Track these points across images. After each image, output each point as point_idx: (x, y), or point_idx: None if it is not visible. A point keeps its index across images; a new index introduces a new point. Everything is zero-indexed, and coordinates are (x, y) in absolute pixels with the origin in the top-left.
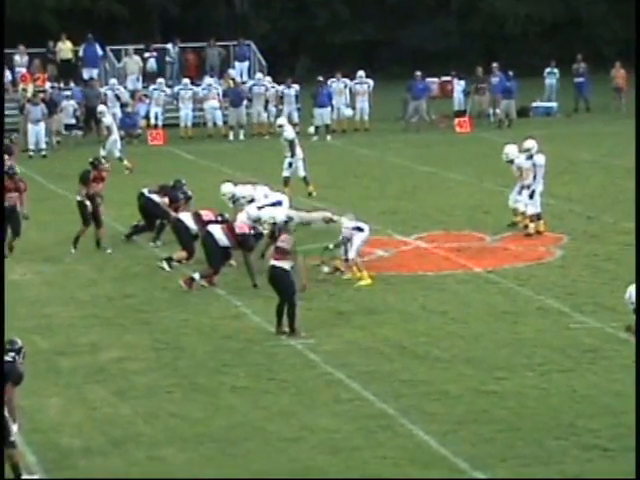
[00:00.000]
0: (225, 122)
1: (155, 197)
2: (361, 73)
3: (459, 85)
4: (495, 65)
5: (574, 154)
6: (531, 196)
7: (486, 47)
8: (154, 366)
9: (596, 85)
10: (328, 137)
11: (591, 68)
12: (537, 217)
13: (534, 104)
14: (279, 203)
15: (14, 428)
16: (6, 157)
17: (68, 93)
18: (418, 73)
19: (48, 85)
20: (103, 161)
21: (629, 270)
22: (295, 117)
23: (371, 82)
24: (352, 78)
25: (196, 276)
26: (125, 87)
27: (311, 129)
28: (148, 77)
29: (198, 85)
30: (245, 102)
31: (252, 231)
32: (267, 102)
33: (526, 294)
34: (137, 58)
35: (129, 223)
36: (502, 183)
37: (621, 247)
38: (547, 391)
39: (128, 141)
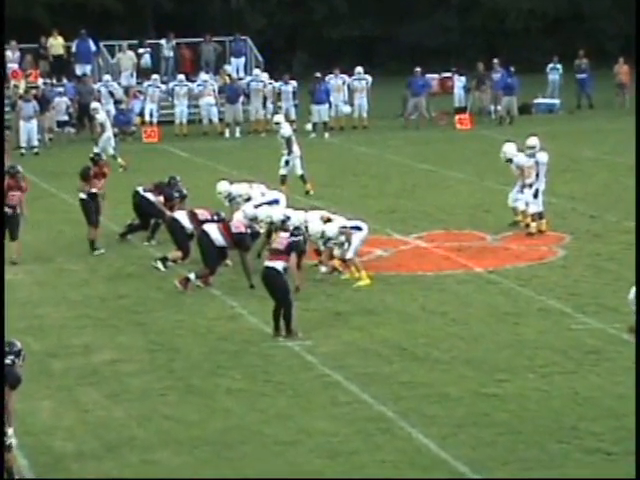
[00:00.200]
0: (221, 119)
1: (150, 196)
2: (359, 69)
3: (459, 81)
4: (496, 61)
5: (577, 152)
6: (535, 195)
7: (487, 42)
8: (148, 368)
9: (599, 81)
10: (326, 134)
11: (594, 64)
12: (539, 216)
13: (536, 100)
14: (276, 202)
15: (9, 431)
16: None
17: (61, 89)
18: (418, 69)
19: (40, 81)
20: (103, 155)
21: (632, 270)
22: (292, 114)
23: (370, 78)
24: (350, 74)
25: (192, 276)
26: (119, 83)
27: (308, 126)
28: (142, 73)
29: (193, 81)
30: (242, 99)
31: (249, 230)
32: (265, 99)
33: (528, 294)
34: (131, 54)
35: (123, 222)
36: (503, 181)
37: (624, 247)
38: (549, 393)
39: (122, 138)
